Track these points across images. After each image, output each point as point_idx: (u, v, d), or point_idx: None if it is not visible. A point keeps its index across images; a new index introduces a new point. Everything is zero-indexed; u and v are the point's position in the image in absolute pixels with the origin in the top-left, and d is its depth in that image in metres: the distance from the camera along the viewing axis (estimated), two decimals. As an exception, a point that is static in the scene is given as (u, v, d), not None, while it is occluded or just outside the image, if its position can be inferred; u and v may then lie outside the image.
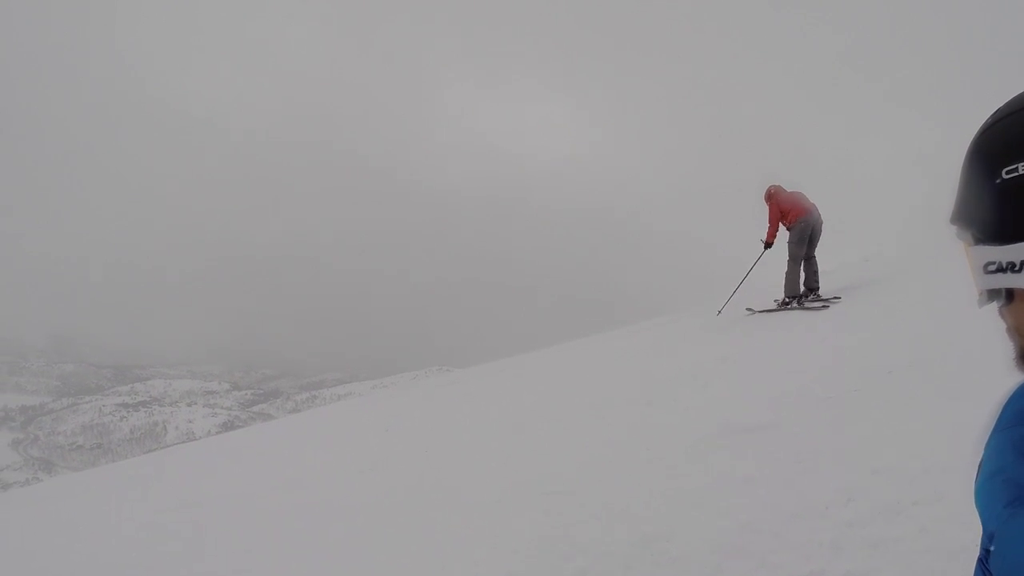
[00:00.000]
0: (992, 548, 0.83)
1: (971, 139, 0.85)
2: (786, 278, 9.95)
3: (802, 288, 9.92)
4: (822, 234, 10.07)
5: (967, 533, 2.67)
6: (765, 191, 10.42)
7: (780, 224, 10.12)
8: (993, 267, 0.80)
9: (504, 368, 13.72)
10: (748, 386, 6.35)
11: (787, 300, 9.90)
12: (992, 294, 0.83)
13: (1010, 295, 0.82)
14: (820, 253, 10.14)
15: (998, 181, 0.78)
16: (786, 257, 10.05)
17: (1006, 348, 0.90)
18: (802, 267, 9.91)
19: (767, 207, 10.31)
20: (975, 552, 0.99)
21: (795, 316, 9.32)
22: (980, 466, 0.93)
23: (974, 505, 0.92)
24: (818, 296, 9.84)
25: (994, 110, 0.85)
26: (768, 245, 10.40)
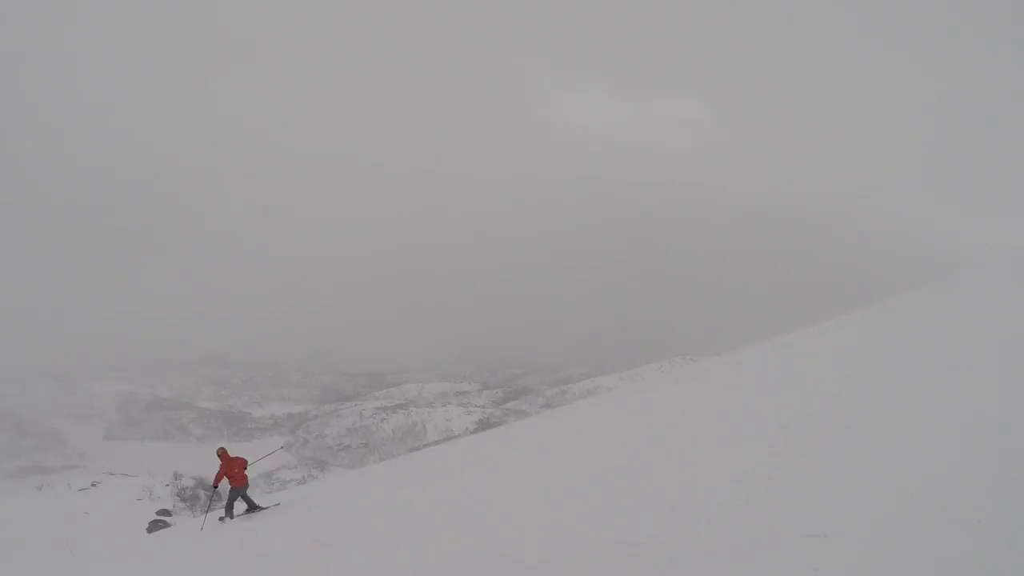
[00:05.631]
0: None
1: None
2: (226, 507, 14.52)
3: (234, 513, 14.44)
4: None
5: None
6: (219, 449, 15.01)
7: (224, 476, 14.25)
8: None
9: (745, 358, 14.15)
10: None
11: (229, 516, 14.39)
12: None
13: None
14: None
15: None
16: (222, 493, 15.00)
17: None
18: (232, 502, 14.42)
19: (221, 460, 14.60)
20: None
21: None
22: None
23: None
24: (259, 507, 14.45)
25: None
26: (215, 487, 14.85)
